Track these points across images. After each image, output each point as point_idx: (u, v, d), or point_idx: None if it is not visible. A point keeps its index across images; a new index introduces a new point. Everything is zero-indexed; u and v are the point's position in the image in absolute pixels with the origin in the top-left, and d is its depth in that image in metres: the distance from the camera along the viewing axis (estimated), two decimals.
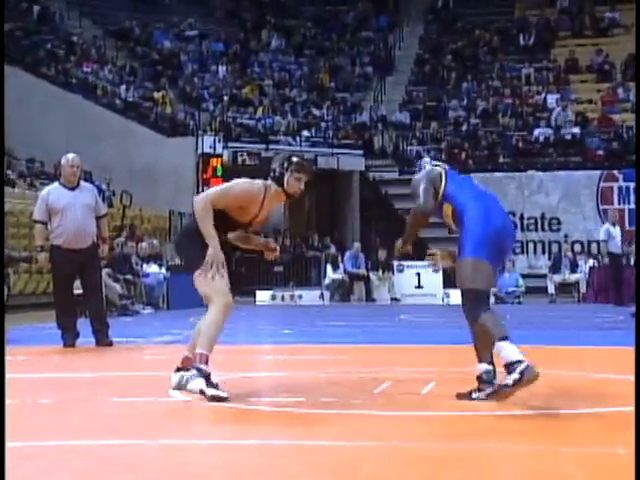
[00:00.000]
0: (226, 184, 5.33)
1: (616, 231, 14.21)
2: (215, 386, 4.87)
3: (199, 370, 4.85)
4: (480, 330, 4.61)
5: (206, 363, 4.88)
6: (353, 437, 4.06)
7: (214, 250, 4.99)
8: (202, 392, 4.85)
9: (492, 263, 4.75)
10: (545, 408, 4.64)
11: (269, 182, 5.21)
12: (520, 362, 4.28)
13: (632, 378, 5.78)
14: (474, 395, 4.68)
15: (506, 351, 4.36)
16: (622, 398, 4.78)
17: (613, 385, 5.69)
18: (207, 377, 4.85)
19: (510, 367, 4.32)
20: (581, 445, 3.81)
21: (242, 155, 21.79)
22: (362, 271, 20.03)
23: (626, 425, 4.17)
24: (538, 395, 5.03)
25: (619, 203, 22.53)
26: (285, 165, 5.21)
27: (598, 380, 5.89)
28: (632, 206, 22.22)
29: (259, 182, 5.22)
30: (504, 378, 4.57)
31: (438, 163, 5.46)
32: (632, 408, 4.61)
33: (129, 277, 15.36)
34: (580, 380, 5.89)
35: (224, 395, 4.82)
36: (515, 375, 4.27)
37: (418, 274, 20.18)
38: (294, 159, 5.27)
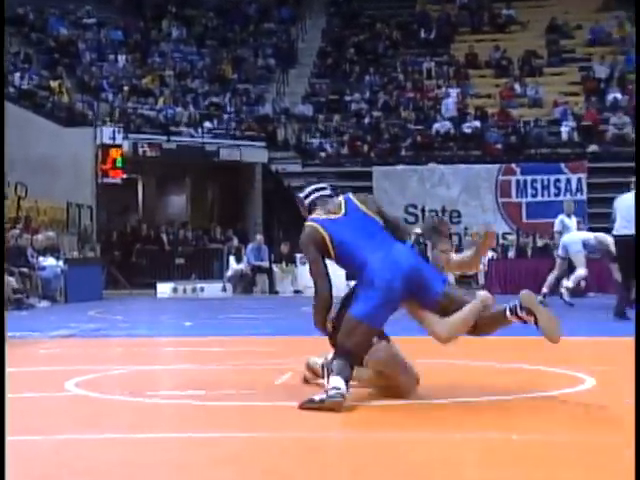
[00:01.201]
0: None
1: (572, 222, 14.25)
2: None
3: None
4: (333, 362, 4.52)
5: None
6: (253, 428, 4.02)
7: None
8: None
9: (378, 323, 4.57)
10: (444, 397, 4.68)
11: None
12: (338, 389, 4.24)
13: (529, 367, 5.90)
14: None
15: (333, 381, 4.30)
16: (520, 387, 4.85)
17: (514, 374, 5.78)
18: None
19: (329, 388, 4.30)
20: (476, 432, 3.85)
21: (143, 146, 21.48)
22: (265, 263, 19.98)
23: (521, 412, 4.24)
24: (440, 385, 5.08)
25: (517, 196, 22.98)
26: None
27: (502, 369, 5.98)
28: (529, 199, 22.72)
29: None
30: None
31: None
32: (529, 395, 4.69)
33: (24, 270, 14.97)
34: (485, 369, 5.97)
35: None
36: (322, 395, 4.26)
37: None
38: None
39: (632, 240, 10.09)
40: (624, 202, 10.69)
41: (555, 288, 13.80)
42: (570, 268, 13.59)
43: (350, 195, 4.86)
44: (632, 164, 24.45)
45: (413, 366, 4.69)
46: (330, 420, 4.19)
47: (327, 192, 4.92)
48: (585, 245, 13.25)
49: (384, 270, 4.52)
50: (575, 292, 14.91)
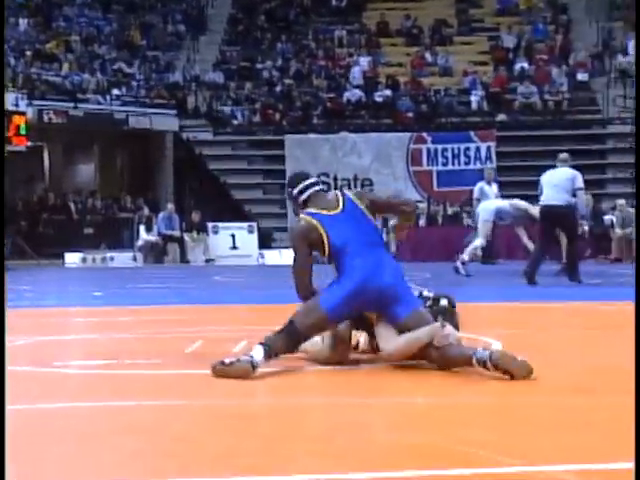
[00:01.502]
0: None
1: (491, 190, 14.27)
2: None
3: None
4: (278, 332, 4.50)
5: None
6: (163, 396, 3.98)
7: None
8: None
9: (336, 318, 4.50)
10: (354, 364, 4.70)
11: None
12: (251, 357, 4.24)
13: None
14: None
15: (255, 349, 4.30)
16: None
17: None
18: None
19: (244, 355, 4.31)
20: (384, 396, 3.89)
21: (48, 113, 20.95)
22: (176, 232, 19.80)
23: (427, 377, 4.29)
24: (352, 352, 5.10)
25: (428, 164, 23.20)
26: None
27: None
28: (440, 167, 22.96)
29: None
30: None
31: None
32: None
33: None
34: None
35: None
36: (233, 359, 4.26)
37: (233, 235, 20.17)
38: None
39: (558, 210, 10.91)
40: (553, 176, 11.22)
41: (490, 257, 14.07)
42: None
43: (346, 191, 4.80)
44: (539, 132, 24.95)
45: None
46: (242, 387, 4.17)
47: (320, 187, 4.86)
48: (500, 212, 13.38)
49: (363, 272, 4.47)
50: (487, 260, 15.17)
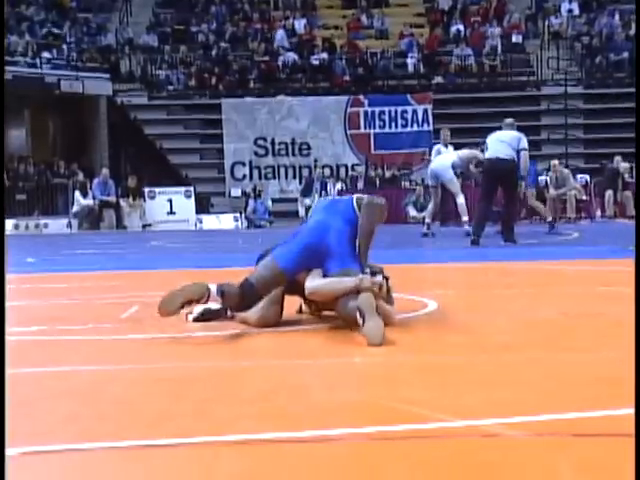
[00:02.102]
0: None
1: (447, 151, 14.25)
2: None
3: None
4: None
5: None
6: (97, 362, 3.95)
7: None
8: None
9: (289, 273, 4.57)
10: (292, 325, 4.72)
11: None
12: (218, 310, 4.47)
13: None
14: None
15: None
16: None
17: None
18: None
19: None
20: (321, 357, 3.91)
21: None
22: (112, 198, 19.57)
23: (362, 337, 4.33)
24: (288, 313, 5.11)
25: (365, 127, 23.25)
26: None
27: None
28: (377, 130, 23.01)
29: None
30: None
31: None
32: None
33: None
34: None
35: None
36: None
37: (170, 200, 20.02)
38: None
39: (504, 165, 11.08)
40: (499, 135, 11.48)
41: (437, 217, 14.16)
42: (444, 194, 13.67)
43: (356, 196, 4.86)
44: (475, 95, 25.07)
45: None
46: (178, 351, 4.15)
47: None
48: (453, 167, 13.45)
49: (315, 230, 4.63)
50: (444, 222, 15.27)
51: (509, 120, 12.00)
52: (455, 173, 13.47)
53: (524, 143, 11.38)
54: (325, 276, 4.54)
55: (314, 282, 4.52)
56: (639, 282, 4.95)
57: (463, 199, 13.48)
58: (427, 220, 13.69)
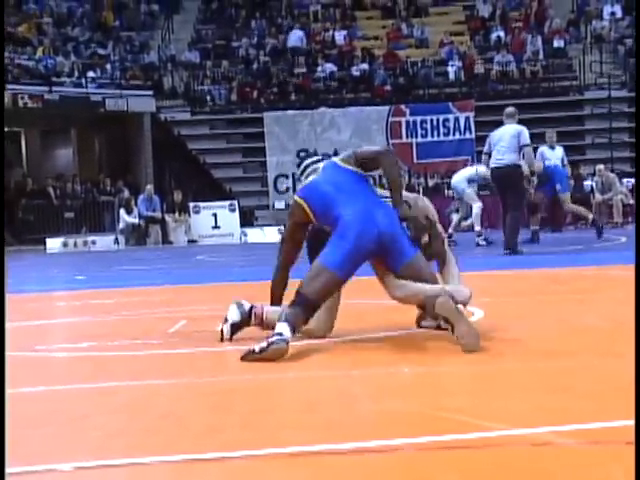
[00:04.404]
0: None
1: (554, 153, 13.53)
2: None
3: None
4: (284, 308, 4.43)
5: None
6: (146, 376, 3.98)
7: None
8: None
9: (345, 273, 4.43)
10: (336, 336, 4.71)
11: None
12: (280, 334, 4.11)
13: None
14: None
15: (279, 327, 4.17)
16: (406, 323, 4.91)
17: (403, 311, 5.84)
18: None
19: (271, 335, 4.15)
20: (369, 367, 3.90)
21: (23, 98, 20.80)
22: (157, 214, 19.73)
23: (410, 347, 4.31)
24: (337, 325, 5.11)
25: (407, 137, 23.18)
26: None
27: (386, 306, 6.02)
28: (419, 140, 22.95)
29: None
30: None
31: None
32: (413, 331, 4.75)
33: None
34: (369, 307, 6.03)
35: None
36: (265, 344, 4.05)
37: (215, 214, 20.13)
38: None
39: (502, 171, 10.49)
40: (498, 136, 10.83)
41: (459, 227, 14.02)
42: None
43: (334, 157, 4.78)
44: (517, 101, 24.91)
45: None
46: (224, 365, 4.18)
47: (320, 163, 4.80)
48: (470, 181, 13.41)
49: (357, 223, 4.40)
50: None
51: (509, 110, 11.15)
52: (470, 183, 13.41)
53: (525, 138, 10.63)
54: (394, 272, 4.43)
55: (401, 290, 4.43)
56: (639, 282, 4.88)
57: (479, 209, 13.18)
58: (450, 230, 13.46)
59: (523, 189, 11.09)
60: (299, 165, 5.03)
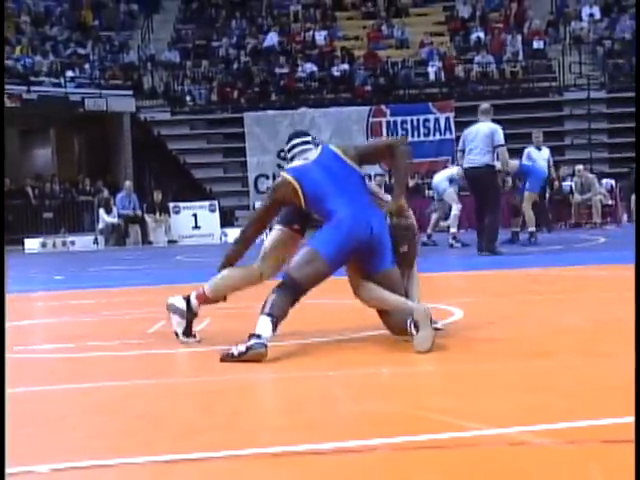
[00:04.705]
0: None
1: (541, 153, 13.26)
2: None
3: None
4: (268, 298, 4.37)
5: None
6: (124, 377, 3.96)
7: None
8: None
9: (335, 265, 4.38)
10: (318, 336, 4.70)
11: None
12: (258, 336, 4.04)
13: None
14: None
15: (261, 323, 4.10)
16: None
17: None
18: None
19: (249, 337, 4.07)
20: (347, 368, 3.89)
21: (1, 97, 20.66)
22: (137, 212, 19.64)
23: (389, 347, 4.30)
24: (310, 324, 5.11)
25: (387, 137, 23.18)
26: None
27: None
28: None
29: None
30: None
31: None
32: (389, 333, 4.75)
33: None
34: (348, 307, 6.02)
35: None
36: (243, 348, 4.01)
37: (195, 215, 20.07)
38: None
39: (474, 172, 10.38)
40: (471, 135, 10.72)
41: (437, 226, 13.94)
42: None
43: (329, 144, 4.71)
44: (497, 102, 24.93)
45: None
46: (203, 365, 4.16)
47: (308, 145, 4.73)
48: (451, 181, 13.40)
49: (352, 219, 4.35)
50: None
51: (484, 106, 10.95)
52: (452, 183, 13.32)
53: (498, 138, 10.45)
54: (369, 274, 4.39)
55: (367, 293, 4.42)
56: (639, 283, 4.90)
57: (458, 210, 13.06)
58: (429, 231, 13.48)
59: (498, 190, 10.91)
60: (283, 150, 4.96)
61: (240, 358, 4.01)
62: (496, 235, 10.68)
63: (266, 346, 4.06)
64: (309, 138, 4.83)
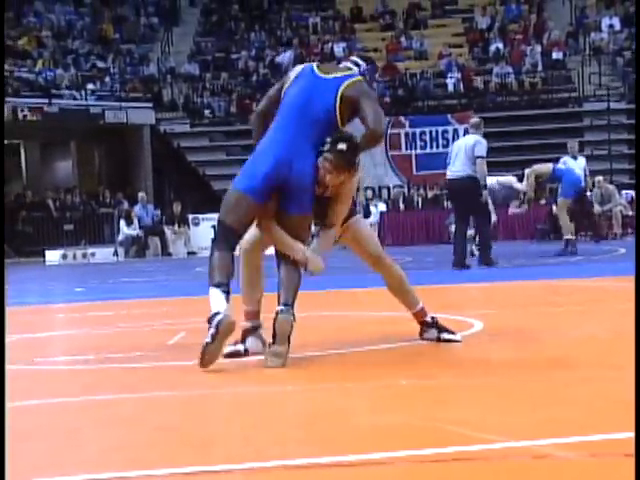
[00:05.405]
0: None
1: (577, 163, 13.18)
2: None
3: None
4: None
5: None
6: (144, 389, 3.96)
7: None
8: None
9: (260, 198, 4.27)
10: (334, 348, 4.69)
11: None
12: (216, 314, 4.01)
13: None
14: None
15: (211, 299, 4.09)
16: (404, 334, 4.90)
17: (397, 323, 5.84)
18: None
19: (209, 321, 4.04)
20: (366, 380, 3.88)
21: (23, 110, 20.83)
22: (155, 224, 19.71)
23: (407, 359, 4.29)
24: (322, 337, 5.11)
25: (406, 149, 23.19)
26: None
27: (383, 318, 6.03)
28: (419, 151, 22.95)
29: None
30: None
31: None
32: (410, 343, 4.74)
33: None
34: (366, 319, 6.02)
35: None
36: (212, 330, 3.98)
37: (214, 226, 20.10)
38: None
39: (455, 183, 10.47)
40: (457, 146, 10.79)
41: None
42: None
43: (347, 76, 4.45)
44: (516, 113, 24.85)
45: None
46: (222, 378, 4.15)
47: (352, 66, 4.60)
48: (491, 192, 13.23)
49: (278, 155, 4.25)
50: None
51: (475, 120, 11.01)
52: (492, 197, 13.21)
53: (479, 150, 10.41)
54: (283, 214, 4.30)
55: (269, 233, 4.41)
56: (639, 287, 4.87)
57: (494, 218, 12.66)
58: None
59: (482, 202, 10.73)
60: None
61: (217, 340, 4.01)
62: (490, 248, 10.75)
63: (229, 315, 4.05)
64: (359, 65, 4.62)
